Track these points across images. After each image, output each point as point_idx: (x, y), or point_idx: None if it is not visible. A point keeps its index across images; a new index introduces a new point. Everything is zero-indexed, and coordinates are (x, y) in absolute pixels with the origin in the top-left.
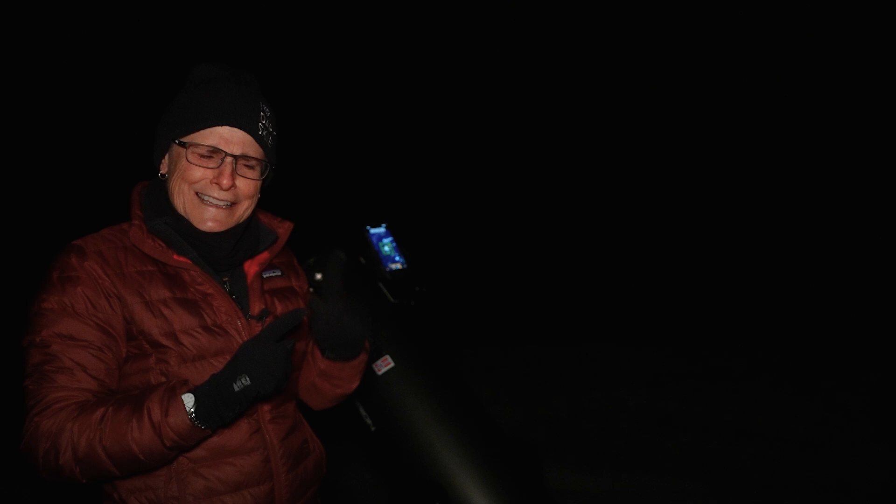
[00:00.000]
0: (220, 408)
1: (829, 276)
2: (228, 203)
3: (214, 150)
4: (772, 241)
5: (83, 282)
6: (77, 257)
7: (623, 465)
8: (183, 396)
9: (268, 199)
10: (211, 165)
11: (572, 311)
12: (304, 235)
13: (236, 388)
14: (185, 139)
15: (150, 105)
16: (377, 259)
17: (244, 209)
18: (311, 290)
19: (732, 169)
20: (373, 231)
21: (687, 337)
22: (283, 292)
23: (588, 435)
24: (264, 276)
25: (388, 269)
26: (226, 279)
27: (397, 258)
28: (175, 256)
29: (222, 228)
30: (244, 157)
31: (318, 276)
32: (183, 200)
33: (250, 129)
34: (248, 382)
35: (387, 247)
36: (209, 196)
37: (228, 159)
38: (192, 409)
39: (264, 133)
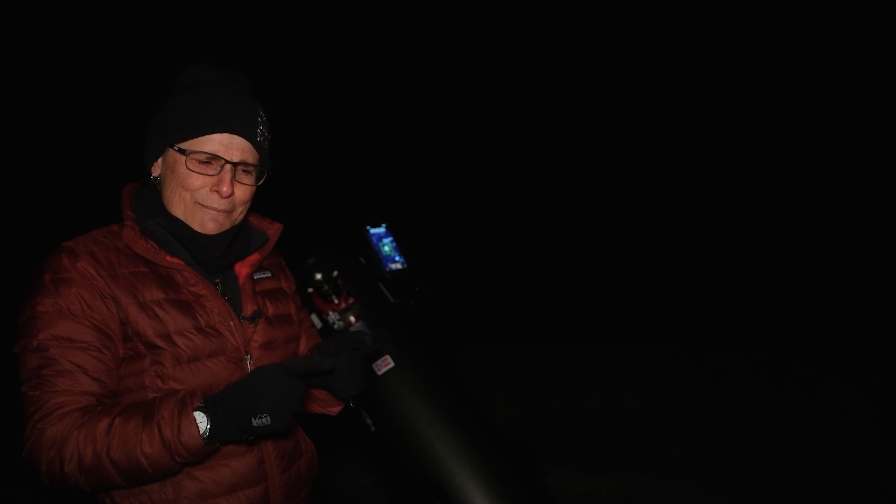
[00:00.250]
0: (234, 434)
1: (829, 276)
2: (227, 209)
3: (214, 157)
4: (772, 241)
5: (77, 283)
6: (69, 258)
7: (623, 465)
8: (195, 415)
9: (268, 199)
10: (210, 172)
11: (572, 311)
12: (304, 235)
13: (255, 424)
14: (182, 145)
15: (132, 107)
16: (377, 259)
17: (239, 213)
18: (310, 290)
19: (732, 169)
20: (373, 231)
21: (687, 337)
22: (273, 294)
23: (588, 435)
24: (255, 278)
25: (388, 269)
26: (217, 280)
27: (397, 258)
28: (167, 258)
29: (220, 230)
30: (243, 163)
31: (318, 277)
32: (183, 207)
33: (249, 135)
34: (268, 422)
35: (387, 247)
36: (209, 204)
37: (228, 167)
38: (206, 432)
39: (261, 139)
